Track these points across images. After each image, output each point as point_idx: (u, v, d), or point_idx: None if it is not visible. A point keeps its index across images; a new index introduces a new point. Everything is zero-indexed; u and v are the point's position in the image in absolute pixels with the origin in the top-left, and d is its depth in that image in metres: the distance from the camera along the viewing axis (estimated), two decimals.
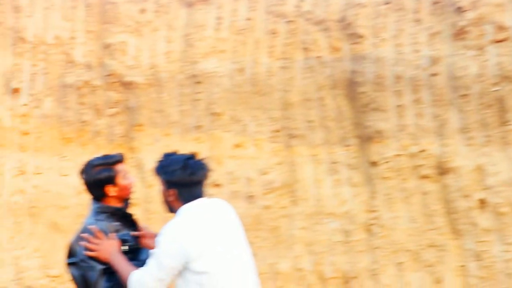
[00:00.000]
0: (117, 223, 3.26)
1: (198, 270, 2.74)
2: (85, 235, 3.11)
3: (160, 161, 3.00)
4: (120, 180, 3.24)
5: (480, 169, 6.00)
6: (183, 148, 7.00)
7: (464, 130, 6.15)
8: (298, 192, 6.71)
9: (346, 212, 6.52)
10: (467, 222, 5.96)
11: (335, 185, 6.66)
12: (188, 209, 2.88)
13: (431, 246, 6.07)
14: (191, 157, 2.93)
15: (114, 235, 3.18)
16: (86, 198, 6.97)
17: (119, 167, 3.26)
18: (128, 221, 3.37)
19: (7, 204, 7.28)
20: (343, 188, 6.60)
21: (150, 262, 2.85)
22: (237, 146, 7.00)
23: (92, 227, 3.14)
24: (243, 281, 2.86)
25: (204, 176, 2.93)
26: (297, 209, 6.70)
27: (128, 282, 2.91)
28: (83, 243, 3.08)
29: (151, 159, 6.99)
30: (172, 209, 2.96)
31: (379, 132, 6.38)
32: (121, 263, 3.00)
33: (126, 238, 3.25)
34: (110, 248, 3.05)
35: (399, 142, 6.35)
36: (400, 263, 6.10)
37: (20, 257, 7.02)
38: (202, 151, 7.02)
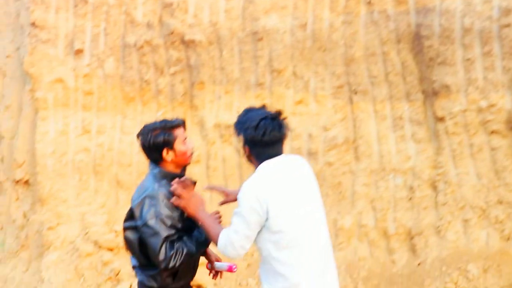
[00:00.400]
0: None
1: (274, 229, 2.82)
2: (176, 187, 3.16)
3: (239, 117, 3.01)
4: (178, 146, 3.27)
5: None
6: (244, 105, 7.20)
7: None
8: (361, 148, 6.78)
9: (410, 168, 6.54)
10: None
11: (399, 141, 6.68)
12: (264, 168, 2.93)
13: (499, 202, 6.04)
14: (267, 117, 2.89)
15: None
16: None
17: (178, 132, 3.29)
18: None
19: (72, 163, 7.68)
20: (407, 144, 6.62)
21: (234, 221, 2.91)
22: (299, 102, 7.11)
23: (186, 178, 3.23)
24: (315, 238, 2.92)
25: (277, 137, 2.90)
26: (360, 166, 6.78)
27: (216, 242, 3.01)
28: (173, 189, 3.15)
29: (212, 117, 7.22)
30: (252, 165, 3.02)
31: (446, 87, 6.34)
32: (208, 220, 3.11)
33: None
34: (198, 204, 3.16)
35: (467, 96, 6.28)
36: (466, 220, 6.10)
37: (86, 214, 7.43)
38: None
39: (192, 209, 3.12)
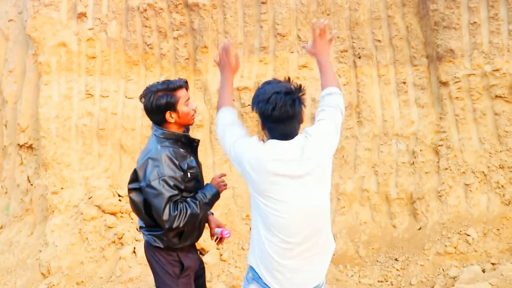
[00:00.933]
0: (183, 150, 3.37)
1: (263, 194, 2.79)
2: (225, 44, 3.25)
3: (257, 89, 2.91)
4: (181, 107, 3.33)
5: None
6: (248, 69, 7.34)
7: None
8: (364, 113, 6.91)
9: (413, 133, 6.68)
10: None
11: (402, 106, 6.81)
12: (271, 146, 2.79)
13: (501, 167, 6.18)
14: (280, 91, 2.76)
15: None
16: None
17: (180, 93, 3.34)
18: (193, 148, 3.50)
19: (76, 127, 7.84)
20: (410, 109, 6.74)
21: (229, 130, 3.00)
22: (303, 66, 7.23)
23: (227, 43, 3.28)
24: (300, 208, 2.84)
25: (288, 114, 2.75)
26: (363, 130, 6.93)
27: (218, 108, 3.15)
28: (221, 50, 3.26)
29: (216, 81, 7.33)
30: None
31: (450, 51, 6.44)
32: (226, 88, 3.21)
33: (192, 164, 3.37)
34: (234, 67, 3.24)
35: (472, 61, 6.39)
36: (468, 185, 6.26)
37: (89, 178, 7.60)
38: (267, 72, 7.29)
39: (229, 69, 3.25)
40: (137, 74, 7.94)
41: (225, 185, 3.53)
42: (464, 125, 6.40)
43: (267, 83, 2.91)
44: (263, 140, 2.94)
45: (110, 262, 6.58)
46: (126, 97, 7.90)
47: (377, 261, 6.29)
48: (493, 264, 5.59)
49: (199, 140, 3.55)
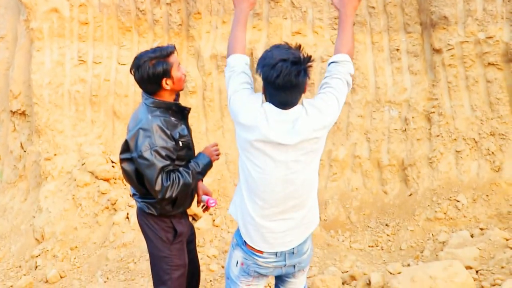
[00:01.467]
0: (174, 118, 3.35)
1: (246, 154, 2.80)
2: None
3: (264, 51, 2.85)
4: (175, 72, 3.31)
5: None
6: None
7: None
8: (357, 80, 6.96)
9: (405, 100, 6.75)
10: None
11: (395, 73, 6.86)
12: (269, 105, 2.78)
13: (492, 134, 6.27)
14: (287, 59, 2.70)
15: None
16: None
17: (172, 58, 3.32)
18: (184, 115, 3.48)
19: (68, 93, 7.87)
20: (403, 76, 6.80)
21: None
22: (296, 33, 7.25)
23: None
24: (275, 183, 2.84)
25: (292, 83, 2.70)
26: (356, 97, 6.99)
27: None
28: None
29: (209, 47, 7.35)
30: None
31: (444, 18, 6.47)
32: (240, 26, 3.12)
33: (184, 133, 3.36)
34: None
35: (465, 28, 6.43)
36: (458, 152, 6.36)
37: (82, 144, 7.66)
38: (260, 39, 7.31)
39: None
40: (130, 40, 7.95)
41: (218, 154, 3.54)
42: (456, 92, 6.46)
43: (276, 46, 2.83)
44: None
45: (104, 227, 6.67)
46: (119, 63, 7.92)
47: (368, 226, 6.41)
48: (481, 229, 5.72)
49: (190, 108, 3.55)
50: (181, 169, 3.32)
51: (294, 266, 3.00)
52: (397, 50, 6.82)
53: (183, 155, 3.39)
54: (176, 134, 3.31)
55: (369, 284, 4.78)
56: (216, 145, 3.55)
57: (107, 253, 6.21)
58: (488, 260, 4.86)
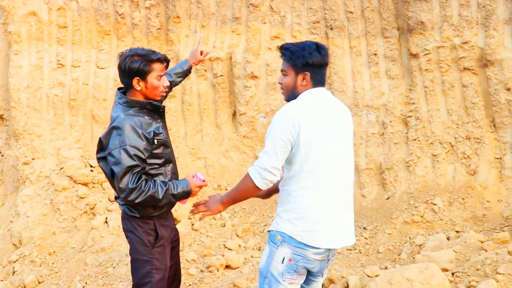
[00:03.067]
0: (148, 117, 3.34)
1: (300, 143, 2.90)
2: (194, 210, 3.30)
3: (288, 48, 3.08)
4: (151, 79, 3.32)
5: None
6: (220, 40, 7.36)
7: (511, 20, 6.23)
8: (336, 84, 6.99)
9: (383, 105, 6.80)
10: (506, 115, 6.16)
11: (373, 78, 6.91)
12: (310, 94, 3.02)
13: (467, 138, 6.33)
14: (317, 42, 3.12)
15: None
16: None
17: (156, 66, 3.33)
18: (160, 114, 3.49)
19: (47, 97, 7.83)
20: (381, 81, 6.85)
21: (266, 143, 2.97)
22: (275, 37, 7.26)
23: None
24: (340, 175, 3.02)
25: (329, 60, 3.14)
26: None
27: (250, 179, 2.99)
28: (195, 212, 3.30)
29: (188, 51, 7.34)
30: (295, 97, 3.07)
31: (420, 23, 6.53)
32: (231, 191, 3.16)
33: (159, 131, 3.37)
34: (216, 202, 3.23)
35: (442, 33, 6.50)
36: (435, 155, 6.41)
37: (61, 148, 7.61)
38: (239, 43, 7.32)
39: (215, 208, 3.24)
40: (108, 44, 7.92)
41: (199, 190, 3.51)
42: (433, 96, 6.52)
43: (291, 43, 3.15)
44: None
45: (82, 232, 6.63)
46: (98, 67, 7.89)
47: None
48: (457, 232, 5.77)
49: (164, 106, 3.55)
50: (158, 181, 3.32)
51: (329, 260, 3.13)
52: (375, 54, 6.87)
53: (160, 153, 3.39)
54: (151, 133, 3.30)
55: (347, 287, 4.81)
56: (205, 185, 3.53)
57: (86, 258, 6.17)
58: (464, 263, 4.91)
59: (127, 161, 3.16)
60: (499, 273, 4.28)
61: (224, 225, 6.63)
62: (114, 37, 7.91)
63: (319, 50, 3.04)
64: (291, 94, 3.11)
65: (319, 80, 3.07)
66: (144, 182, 3.22)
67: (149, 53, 3.34)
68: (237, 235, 6.44)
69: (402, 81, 6.78)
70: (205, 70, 7.43)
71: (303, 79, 3.03)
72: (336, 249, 3.12)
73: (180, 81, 4.08)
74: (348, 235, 3.12)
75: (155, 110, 3.44)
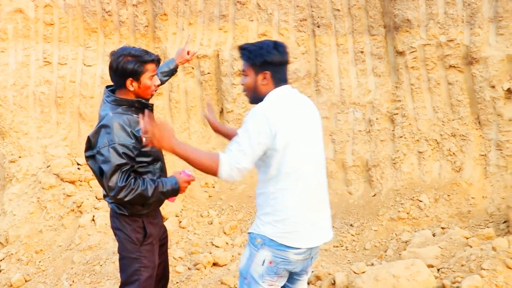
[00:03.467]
0: (136, 116, 3.29)
1: (277, 146, 2.86)
2: (141, 127, 2.99)
3: (247, 48, 3.02)
4: (144, 79, 3.31)
5: (509, 59, 6.16)
6: (207, 37, 7.34)
7: (496, 18, 6.26)
8: (322, 82, 7.00)
9: (369, 102, 6.81)
10: (491, 112, 6.21)
11: (359, 75, 6.92)
12: (278, 94, 2.97)
13: (453, 135, 6.36)
14: (275, 41, 3.05)
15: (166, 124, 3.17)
16: None
17: (150, 66, 3.32)
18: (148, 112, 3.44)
19: (33, 95, 7.75)
20: (367, 78, 6.86)
21: (237, 140, 2.86)
22: (262, 35, 7.25)
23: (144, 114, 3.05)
24: (317, 175, 3.02)
25: (289, 57, 3.08)
26: (321, 99, 7.03)
27: (217, 165, 2.86)
28: (141, 134, 3.02)
29: (175, 49, 7.30)
30: (259, 97, 3.02)
31: (407, 21, 6.55)
32: (190, 149, 2.99)
33: None
34: (171, 137, 2.99)
35: (428, 31, 6.52)
36: (421, 152, 6.44)
37: (48, 146, 7.53)
38: (227, 40, 7.30)
39: (166, 144, 2.92)
40: (95, 41, 7.87)
41: (187, 185, 3.47)
42: (419, 94, 6.54)
43: (248, 44, 3.07)
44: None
45: (69, 230, 6.57)
46: (85, 64, 7.83)
47: (333, 226, 6.43)
48: (443, 228, 5.79)
49: (152, 104, 3.53)
50: (147, 179, 3.29)
51: (312, 258, 3.10)
52: (362, 52, 6.88)
53: (148, 151, 3.36)
54: (139, 131, 3.24)
55: (334, 283, 4.80)
56: (193, 179, 3.47)
57: (73, 256, 6.12)
58: (449, 259, 4.92)
59: (116, 160, 3.14)
60: (484, 269, 4.29)
61: (212, 223, 6.61)
62: (101, 34, 7.85)
63: (277, 48, 2.98)
64: (253, 95, 3.07)
65: (280, 78, 3.01)
66: (133, 180, 3.19)
67: (143, 54, 3.32)
68: (225, 233, 6.43)
69: (388, 79, 6.79)
70: (192, 68, 7.40)
71: (264, 78, 2.98)
72: (318, 246, 3.10)
73: (166, 80, 4.05)
74: (327, 231, 3.11)
75: (144, 108, 3.41)
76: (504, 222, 5.63)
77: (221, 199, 6.92)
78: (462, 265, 4.62)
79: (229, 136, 3.58)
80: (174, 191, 3.41)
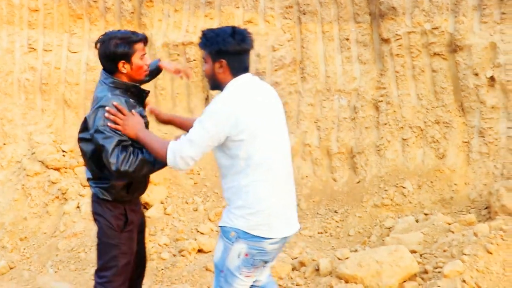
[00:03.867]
0: (133, 100, 3.33)
1: (243, 137, 2.82)
2: (110, 110, 3.12)
3: (205, 34, 2.93)
4: (136, 60, 3.29)
5: (492, 47, 6.17)
6: (193, 24, 7.28)
7: (480, 6, 6.26)
8: (308, 69, 6.98)
9: (354, 89, 6.81)
10: (474, 100, 6.22)
11: (345, 62, 6.91)
12: (238, 84, 2.90)
13: (436, 123, 6.38)
14: (235, 27, 2.91)
15: (135, 112, 3.24)
16: (96, 74, 7.31)
17: (138, 46, 3.30)
18: (142, 98, 3.46)
19: (18, 82, 7.69)
20: (353, 65, 6.85)
21: (193, 131, 2.85)
22: (248, 22, 7.19)
23: (115, 103, 3.16)
24: (283, 163, 2.99)
25: (251, 45, 2.95)
26: (306, 86, 7.01)
27: (165, 152, 2.91)
28: (107, 115, 3.11)
29: (161, 35, 7.27)
30: (219, 85, 2.99)
31: (392, 9, 6.53)
32: (149, 137, 3.08)
33: (142, 114, 3.34)
34: (136, 123, 3.14)
35: (412, 19, 6.51)
36: (405, 139, 6.45)
37: (32, 133, 7.48)
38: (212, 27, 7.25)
39: (130, 130, 3.11)
40: (81, 28, 7.79)
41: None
42: (404, 81, 6.55)
43: (210, 29, 2.97)
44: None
45: (54, 217, 6.55)
46: (70, 51, 7.76)
47: (318, 213, 6.45)
48: (426, 214, 5.82)
49: (148, 91, 3.53)
50: (144, 150, 3.23)
51: (282, 245, 3.09)
52: (347, 39, 6.86)
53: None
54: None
55: (318, 269, 4.82)
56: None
57: (58, 243, 6.10)
58: (432, 244, 4.95)
59: (117, 136, 3.13)
60: (465, 254, 4.32)
61: (197, 210, 6.59)
62: (86, 21, 7.77)
63: (234, 36, 2.86)
64: (212, 82, 3.03)
65: (238, 67, 2.92)
66: (131, 149, 3.17)
67: (130, 35, 3.32)
68: (210, 219, 6.41)
69: (373, 66, 6.79)
70: (178, 55, 7.35)
71: (220, 66, 2.91)
72: (291, 236, 3.08)
73: (149, 80, 3.98)
74: (295, 221, 3.10)
75: (139, 94, 3.43)
76: (486, 208, 5.66)
77: (206, 186, 6.90)
78: (444, 251, 4.65)
79: (182, 125, 3.54)
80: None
